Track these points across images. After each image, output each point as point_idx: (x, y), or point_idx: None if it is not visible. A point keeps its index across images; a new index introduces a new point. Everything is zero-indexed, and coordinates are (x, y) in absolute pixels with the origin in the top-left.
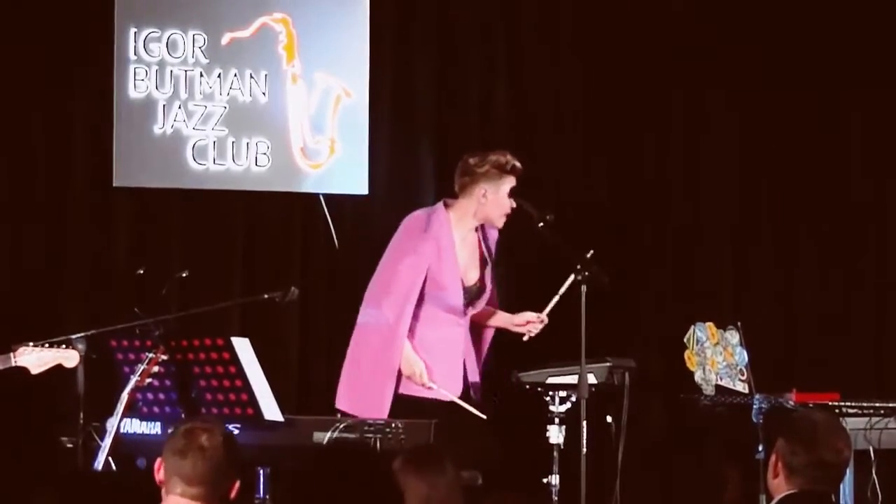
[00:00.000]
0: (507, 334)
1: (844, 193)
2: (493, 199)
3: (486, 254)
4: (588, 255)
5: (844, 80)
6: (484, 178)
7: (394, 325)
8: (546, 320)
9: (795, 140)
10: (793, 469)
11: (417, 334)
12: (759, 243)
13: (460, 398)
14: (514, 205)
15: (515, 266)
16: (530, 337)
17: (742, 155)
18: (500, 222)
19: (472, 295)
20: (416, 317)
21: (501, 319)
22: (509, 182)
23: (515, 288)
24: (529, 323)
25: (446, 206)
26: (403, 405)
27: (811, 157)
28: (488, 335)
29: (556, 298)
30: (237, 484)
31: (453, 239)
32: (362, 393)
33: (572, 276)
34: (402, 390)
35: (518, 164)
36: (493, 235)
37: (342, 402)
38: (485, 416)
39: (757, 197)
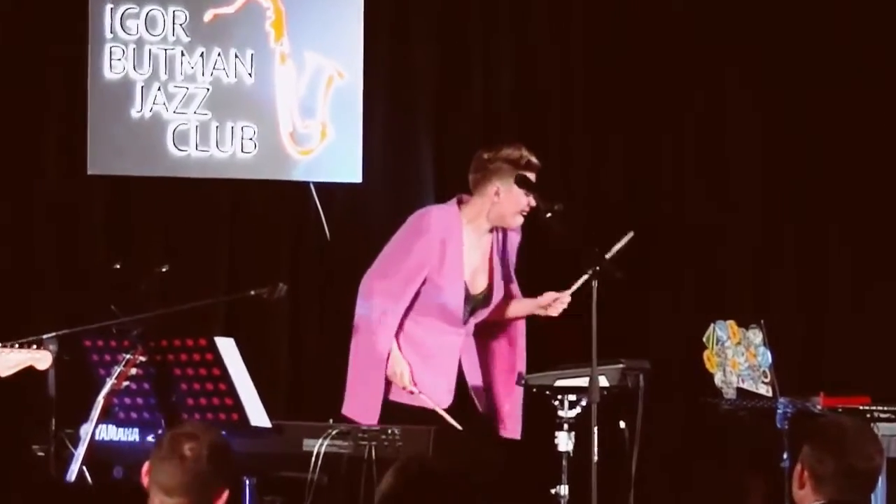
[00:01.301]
0: None
1: (873, 184)
2: (506, 198)
3: (500, 260)
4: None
5: (870, 74)
6: (496, 175)
7: (382, 325)
8: (570, 299)
9: (821, 131)
10: (820, 478)
11: (410, 334)
12: (784, 235)
13: (452, 405)
14: (533, 203)
15: (521, 260)
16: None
17: (765, 144)
18: (515, 222)
19: (475, 304)
20: (411, 318)
21: (526, 307)
22: None
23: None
24: (557, 301)
25: (460, 203)
26: (391, 412)
27: (837, 146)
28: (520, 330)
29: (582, 280)
30: (225, 494)
31: (462, 240)
32: (359, 397)
33: (588, 274)
34: (390, 396)
35: (534, 160)
36: (515, 240)
37: (345, 408)
38: (461, 427)
39: (781, 186)
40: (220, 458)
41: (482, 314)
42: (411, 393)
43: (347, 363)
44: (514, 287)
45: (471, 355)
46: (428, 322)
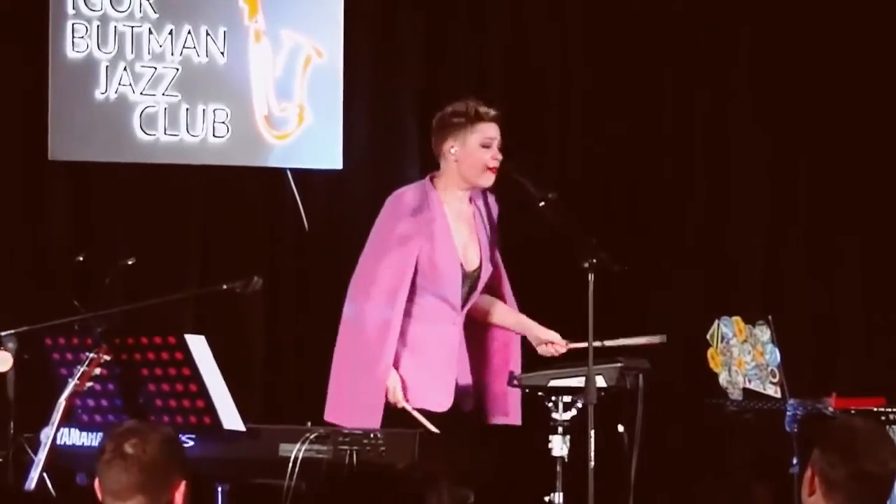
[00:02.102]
0: None
1: (887, 178)
2: (462, 156)
3: (483, 231)
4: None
5: (882, 71)
6: (449, 134)
7: (383, 325)
8: (564, 351)
9: (829, 125)
10: (831, 484)
11: (408, 334)
12: (794, 227)
13: (450, 410)
14: (498, 157)
15: (512, 252)
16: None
17: (772, 136)
18: (486, 181)
19: (471, 282)
20: (406, 312)
21: (526, 326)
22: (480, 131)
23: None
24: (554, 345)
25: (433, 179)
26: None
27: (847, 140)
28: (515, 345)
29: (583, 345)
30: (181, 486)
31: (445, 216)
32: (350, 402)
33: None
34: None
35: (486, 109)
36: (493, 208)
37: (330, 413)
38: (437, 430)
39: (792, 175)
40: (167, 450)
41: (475, 296)
42: (403, 409)
43: (327, 363)
44: (497, 257)
45: (461, 351)
46: (426, 314)
